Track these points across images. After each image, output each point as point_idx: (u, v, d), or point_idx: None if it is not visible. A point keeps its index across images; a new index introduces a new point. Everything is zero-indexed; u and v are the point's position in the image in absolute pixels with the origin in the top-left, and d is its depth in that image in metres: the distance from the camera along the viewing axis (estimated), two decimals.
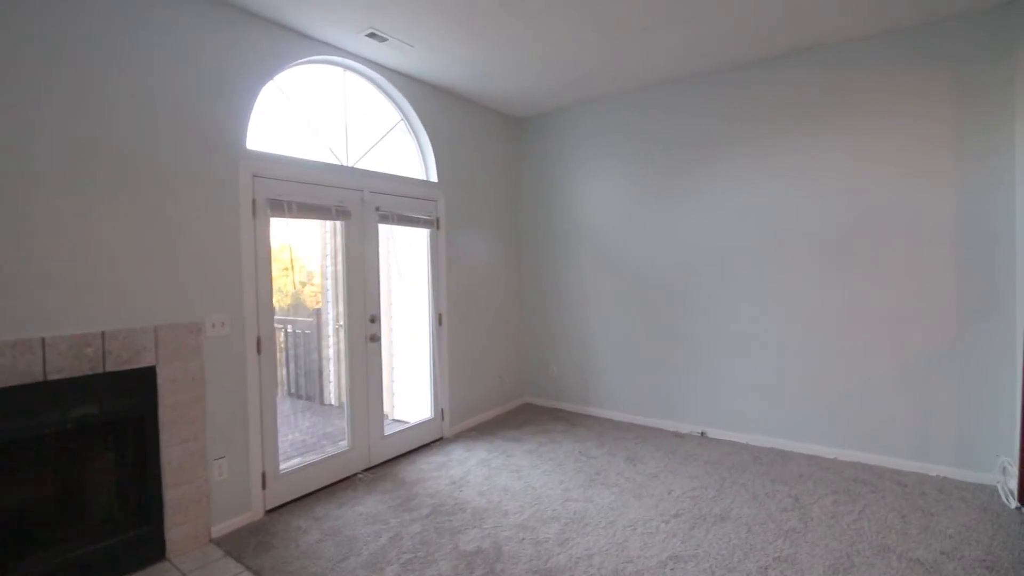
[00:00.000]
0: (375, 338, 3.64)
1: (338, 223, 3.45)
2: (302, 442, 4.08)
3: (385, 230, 4.34)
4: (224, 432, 2.86)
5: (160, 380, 2.61)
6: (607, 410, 4.68)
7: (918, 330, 3.36)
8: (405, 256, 4.47)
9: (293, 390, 6.03)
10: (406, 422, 4.27)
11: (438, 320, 4.20)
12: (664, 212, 4.28)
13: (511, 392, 5.05)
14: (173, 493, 2.66)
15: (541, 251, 5.02)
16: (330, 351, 5.68)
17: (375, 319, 3.66)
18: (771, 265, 3.84)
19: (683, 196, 4.20)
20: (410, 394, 4.46)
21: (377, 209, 3.64)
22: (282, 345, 6.23)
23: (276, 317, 6.17)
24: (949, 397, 3.28)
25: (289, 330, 5.89)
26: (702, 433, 4.16)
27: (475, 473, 3.54)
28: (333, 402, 5.57)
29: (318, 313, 5.72)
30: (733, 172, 3.96)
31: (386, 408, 4.85)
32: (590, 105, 4.63)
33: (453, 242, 4.32)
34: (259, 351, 2.99)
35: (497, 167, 4.84)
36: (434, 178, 4.17)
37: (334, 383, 5.70)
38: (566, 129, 4.80)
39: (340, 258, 3.49)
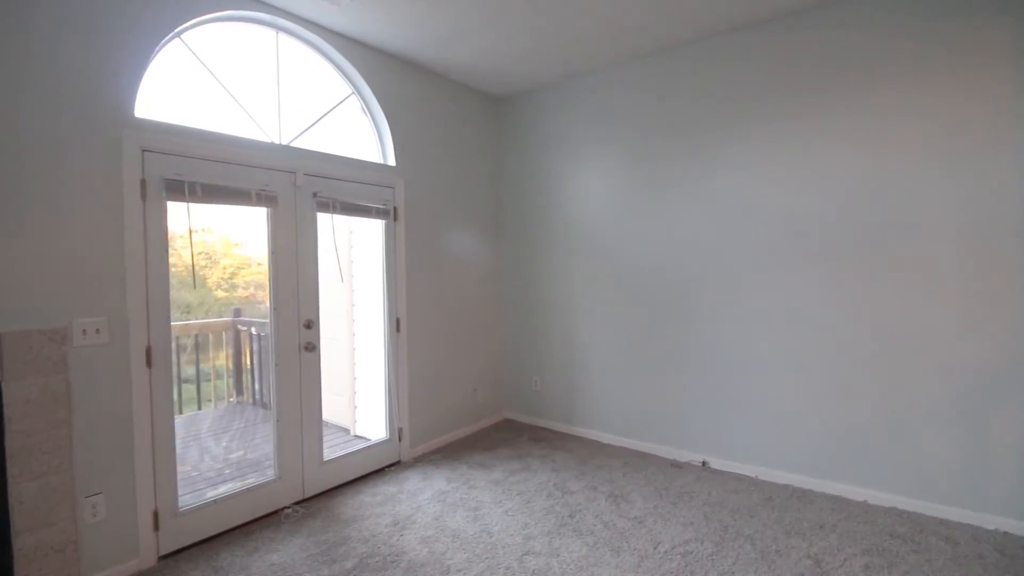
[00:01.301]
0: (311, 347, 3.09)
1: (266, 210, 2.91)
2: (237, 465, 3.54)
3: (344, 220, 3.83)
4: (101, 463, 2.33)
5: (7, 400, 2.09)
6: (595, 431, 4.06)
7: (970, 346, 2.69)
8: (368, 251, 3.92)
9: (257, 399, 5.55)
10: (368, 439, 3.72)
11: (395, 325, 3.64)
12: (663, 205, 3.66)
13: (488, 407, 4.46)
14: (27, 540, 2.13)
15: (523, 248, 4.43)
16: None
17: (311, 324, 3.11)
18: (787, 265, 3.19)
19: (684, 186, 3.57)
20: (375, 408, 3.91)
21: (315, 195, 3.09)
22: (248, 349, 5.75)
23: (241, 318, 5.77)
24: (1010, 430, 2.60)
25: (254, 332, 5.41)
26: (704, 463, 3.52)
27: (425, 510, 2.96)
28: None
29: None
30: (742, 158, 3.33)
31: (346, 423, 4.31)
32: (576, 81, 4.04)
33: (415, 235, 3.76)
34: (149, 363, 2.46)
35: (471, 152, 4.26)
36: (391, 161, 3.61)
37: None
38: (550, 109, 4.21)
39: (266, 252, 2.94)
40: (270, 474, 2.98)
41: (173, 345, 2.55)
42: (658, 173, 3.66)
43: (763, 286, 3.27)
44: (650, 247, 3.72)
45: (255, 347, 5.46)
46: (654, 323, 3.72)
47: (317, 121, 3.26)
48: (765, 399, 3.28)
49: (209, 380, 5.61)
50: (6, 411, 2.09)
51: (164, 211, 2.50)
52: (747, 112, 3.29)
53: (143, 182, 2.42)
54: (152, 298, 2.47)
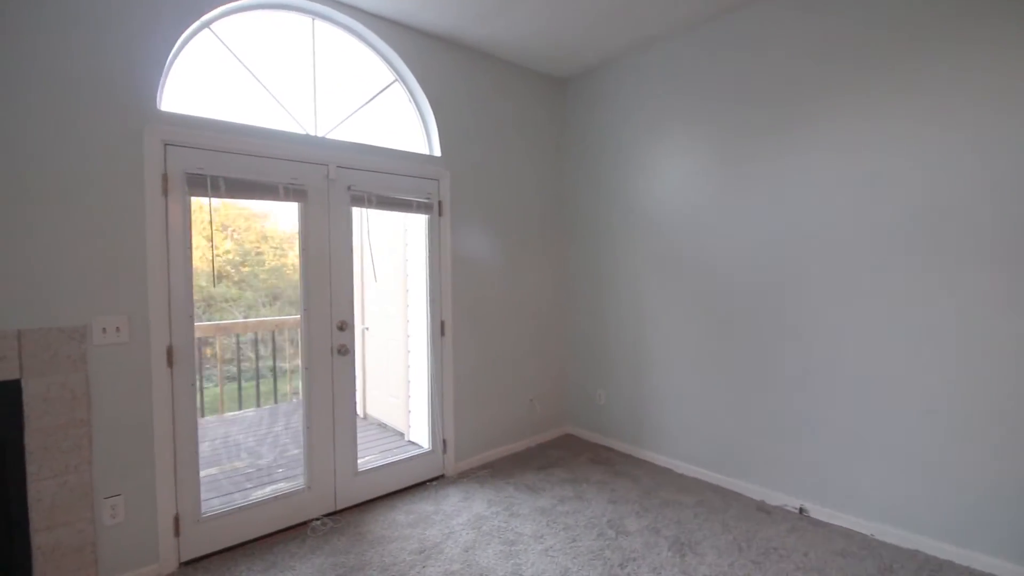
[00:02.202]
0: (344, 350, 2.90)
1: (296, 206, 2.76)
2: (286, 465, 3.48)
3: (398, 217, 3.66)
4: (120, 464, 2.28)
5: (26, 398, 2.08)
6: (666, 456, 3.49)
7: None
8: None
9: None
10: (420, 446, 3.50)
11: (439, 328, 3.36)
12: (754, 191, 3.02)
13: (547, 421, 4.05)
14: (45, 538, 2.12)
15: (589, 246, 3.96)
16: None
17: (345, 326, 2.92)
18: (925, 265, 2.43)
19: (783, 167, 2.91)
20: (427, 413, 3.69)
21: (349, 189, 2.90)
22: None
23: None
24: None
25: None
26: (801, 510, 2.84)
27: (457, 538, 2.64)
28: (360, 414, 5.01)
29: None
30: (855, 127, 2.61)
31: (401, 427, 4.14)
32: (646, 53, 3.49)
33: (462, 231, 3.46)
34: (170, 363, 2.38)
35: (527, 139, 3.88)
36: (437, 151, 3.34)
37: (359, 395, 5.14)
38: (619, 89, 3.70)
39: (297, 249, 2.79)
40: (300, 482, 2.83)
41: (196, 343, 2.46)
42: (749, 154, 3.03)
43: (890, 291, 2.53)
44: (738, 242, 3.09)
45: None
46: (741, 335, 3.09)
47: (356, 111, 3.08)
48: (890, 436, 2.54)
49: (285, 375, 5.80)
50: (26, 409, 2.08)
51: (187, 206, 2.42)
52: (863, 68, 2.57)
53: (164, 177, 2.35)
54: (174, 296, 2.39)
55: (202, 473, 2.93)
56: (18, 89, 2.03)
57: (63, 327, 2.14)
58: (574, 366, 4.13)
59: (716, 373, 3.21)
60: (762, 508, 2.90)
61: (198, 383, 2.47)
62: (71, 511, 2.18)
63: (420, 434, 3.77)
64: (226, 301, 4.88)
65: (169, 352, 2.38)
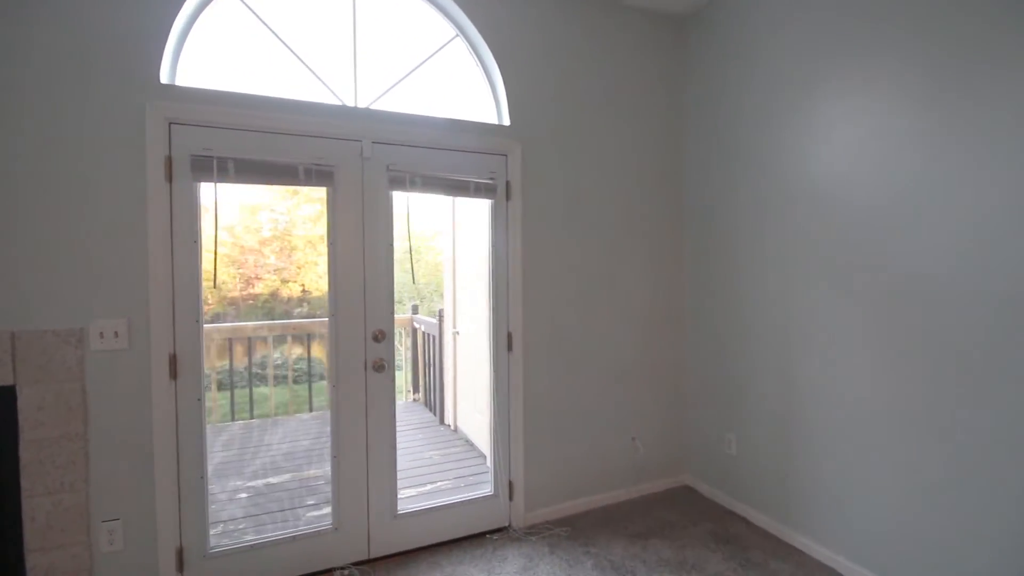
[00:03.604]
0: (380, 366, 2.38)
1: (325, 192, 2.31)
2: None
3: (472, 204, 3.08)
4: (119, 485, 2.03)
5: (20, 405, 1.90)
6: (830, 550, 2.34)
7: None
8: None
9: (423, 401, 5.32)
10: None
11: (506, 342, 2.68)
12: (1003, 158, 1.79)
13: (656, 466, 3.11)
14: (39, 560, 1.93)
15: (716, 243, 2.93)
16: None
17: (382, 336, 2.40)
18: None
19: None
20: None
21: (388, 168, 2.37)
22: (408, 349, 5.58)
23: (418, 315, 5.60)
24: None
25: (421, 329, 5.18)
26: None
27: None
28: (450, 423, 4.56)
29: (440, 312, 4.84)
30: None
31: (486, 448, 3.54)
32: None
33: (537, 220, 2.73)
34: (174, 374, 2.07)
35: (630, 102, 2.99)
36: (505, 119, 2.66)
37: (450, 405, 4.69)
38: (766, 24, 2.62)
39: (327, 241, 2.34)
40: (327, 523, 2.37)
41: (204, 351, 2.13)
42: (993, 95, 1.80)
43: None
44: (957, 238, 1.87)
45: (419, 347, 5.26)
46: (965, 374, 1.86)
47: (407, 76, 2.54)
48: None
49: (401, 370, 5.63)
50: (21, 418, 1.90)
51: (194, 195, 2.09)
52: None
53: (168, 160, 2.05)
54: (179, 297, 2.08)
55: (218, 490, 2.63)
56: (5, 61, 1.84)
57: (58, 330, 1.93)
58: (693, 397, 3.12)
59: (916, 429, 2.00)
60: None
61: (205, 396, 2.13)
62: (66, 533, 1.96)
63: None
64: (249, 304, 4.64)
65: (172, 361, 2.07)
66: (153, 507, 2.06)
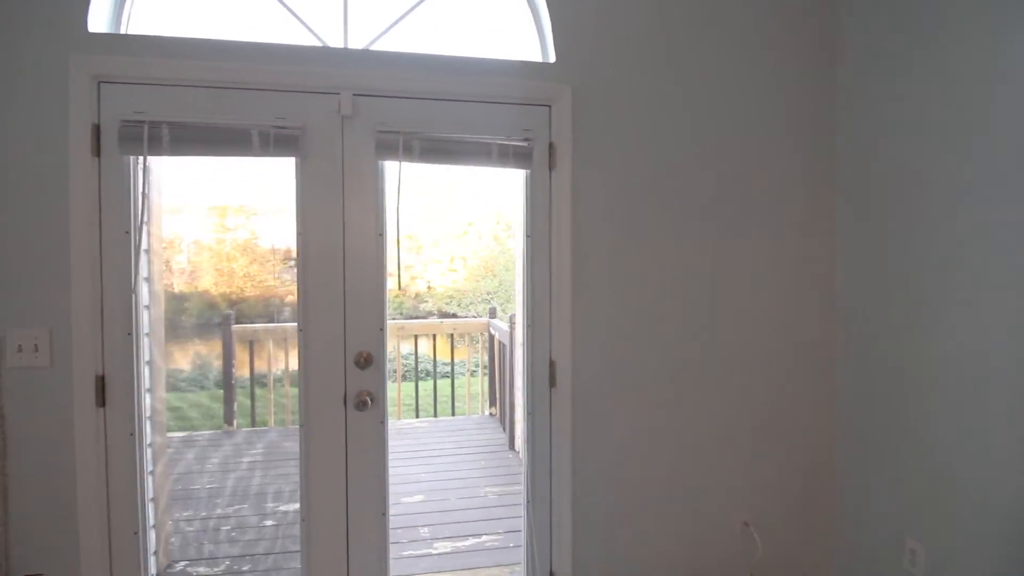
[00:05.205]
0: (363, 403, 1.73)
1: (294, 163, 1.73)
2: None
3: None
4: (42, 534, 1.63)
5: None
6: None
7: None
8: None
9: (499, 416, 4.69)
10: None
11: (547, 375, 1.88)
12: None
13: (786, 568, 2.06)
14: None
15: (906, 237, 1.78)
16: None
17: (369, 360, 1.75)
18: None
19: None
20: None
21: (377, 129, 1.71)
22: (485, 357, 4.94)
23: (495, 320, 4.94)
24: None
25: (497, 336, 4.55)
26: None
27: None
28: (519, 449, 3.84)
29: (512, 319, 4.14)
30: None
31: None
32: None
33: (595, 199, 1.88)
34: (101, 400, 1.63)
35: (748, 22, 1.99)
36: (549, 54, 1.86)
37: (520, 427, 3.95)
38: None
39: (295, 231, 1.76)
40: None
41: (142, 371, 1.67)
42: None
43: None
44: None
45: (501, 356, 4.63)
46: None
47: (416, 6, 1.87)
48: None
49: (475, 375, 5.10)
50: None
51: (127, 172, 1.63)
52: None
53: (96, 129, 1.61)
54: (109, 304, 1.63)
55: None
56: None
57: None
58: (848, 471, 2.00)
59: None
60: None
61: (140, 430, 1.66)
62: None
63: None
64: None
65: (100, 383, 1.63)
66: (78, 565, 1.64)
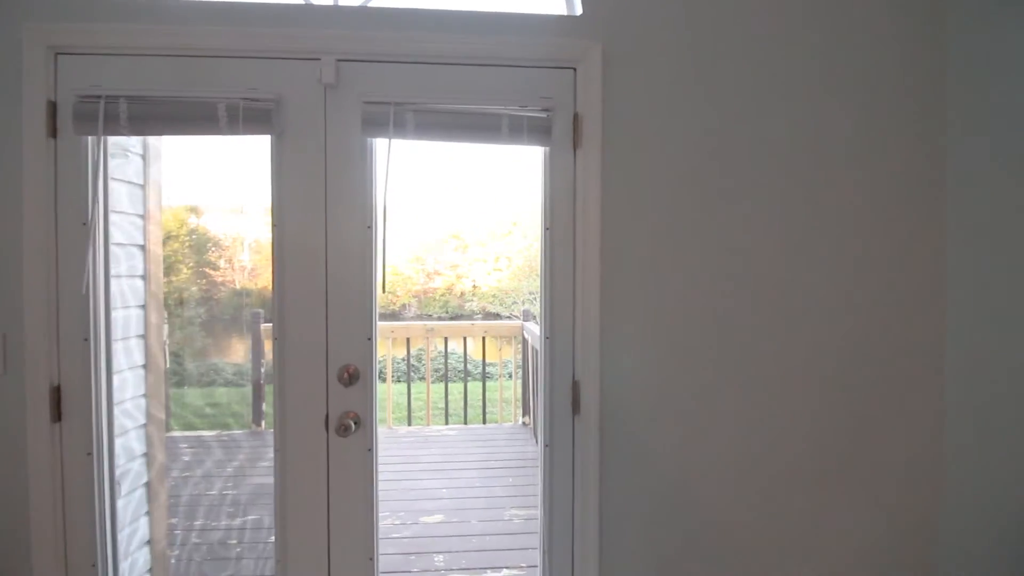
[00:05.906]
0: (346, 427, 1.45)
1: (269, 142, 1.47)
2: None
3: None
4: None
5: None
6: None
7: None
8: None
9: (533, 426, 4.37)
10: None
11: (569, 399, 1.53)
12: None
13: None
14: None
15: None
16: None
17: (355, 376, 1.47)
18: None
19: None
20: None
21: (363, 99, 1.42)
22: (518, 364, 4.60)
23: (529, 323, 4.59)
24: None
25: (531, 341, 4.22)
26: None
27: None
28: None
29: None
30: None
31: None
32: None
33: (631, 183, 1.51)
34: (57, 415, 1.44)
35: None
36: (576, 5, 1.51)
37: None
38: None
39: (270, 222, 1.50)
40: None
41: (102, 380, 1.46)
42: None
43: None
44: None
45: (535, 362, 4.32)
46: None
47: None
48: None
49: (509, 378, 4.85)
50: None
51: (85, 155, 1.43)
52: None
53: (52, 106, 1.42)
54: (66, 305, 1.44)
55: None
56: None
57: None
58: (958, 530, 1.53)
59: None
60: None
61: (99, 449, 1.46)
62: None
63: None
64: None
65: (55, 396, 1.44)
66: None
